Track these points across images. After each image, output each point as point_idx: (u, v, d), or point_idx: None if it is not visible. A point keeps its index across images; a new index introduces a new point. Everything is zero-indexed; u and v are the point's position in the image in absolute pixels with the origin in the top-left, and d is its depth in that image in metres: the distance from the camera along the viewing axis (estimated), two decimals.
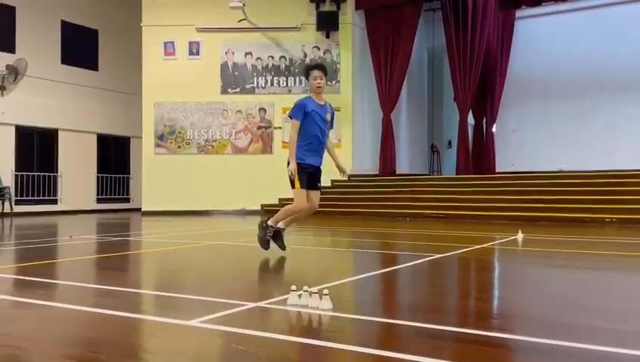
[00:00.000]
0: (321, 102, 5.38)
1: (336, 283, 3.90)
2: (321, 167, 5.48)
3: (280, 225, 5.47)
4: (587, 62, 15.47)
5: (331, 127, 5.56)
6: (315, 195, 5.40)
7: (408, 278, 4.46)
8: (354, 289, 3.88)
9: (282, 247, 5.48)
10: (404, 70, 15.67)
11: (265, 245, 5.44)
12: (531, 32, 16.27)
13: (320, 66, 5.41)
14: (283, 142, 14.89)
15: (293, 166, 5.19)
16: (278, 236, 5.49)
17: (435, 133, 19.22)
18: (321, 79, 5.30)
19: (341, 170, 5.70)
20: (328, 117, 5.42)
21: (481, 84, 15.66)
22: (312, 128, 5.26)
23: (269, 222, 5.41)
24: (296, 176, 5.20)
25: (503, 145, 16.33)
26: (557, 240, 7.62)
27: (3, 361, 2.26)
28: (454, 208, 12.19)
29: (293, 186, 5.26)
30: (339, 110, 14.96)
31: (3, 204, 15.10)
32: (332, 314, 2.90)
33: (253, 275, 4.78)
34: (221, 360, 2.29)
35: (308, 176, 5.28)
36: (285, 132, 14.65)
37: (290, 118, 5.32)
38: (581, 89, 15.54)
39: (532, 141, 16.18)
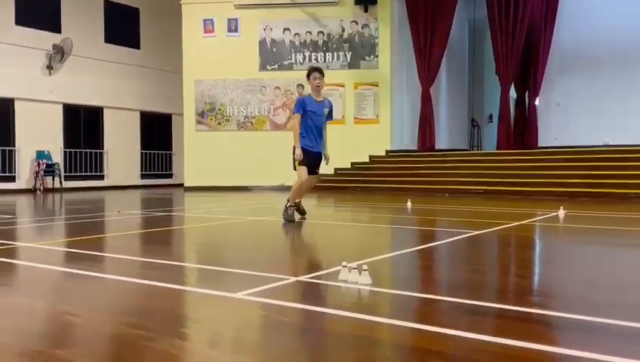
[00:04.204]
0: (319, 99, 6.52)
1: (375, 258, 3.96)
2: (322, 152, 6.58)
3: (296, 200, 6.66)
4: (634, 34, 14.83)
5: (330, 118, 6.70)
6: (312, 179, 6.56)
7: (447, 254, 4.49)
8: (392, 265, 3.94)
9: (304, 213, 6.81)
10: (444, 43, 15.38)
11: (290, 218, 6.47)
12: (578, 1, 15.67)
13: (319, 69, 6.57)
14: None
15: (299, 152, 6.32)
16: (299, 210, 6.74)
17: (476, 107, 18.88)
18: (320, 80, 6.44)
19: (325, 157, 6.67)
20: (325, 112, 6.56)
21: (524, 56, 15.25)
22: (309, 122, 6.42)
23: (289, 204, 6.52)
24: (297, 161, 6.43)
25: (546, 119, 15.92)
26: (600, 216, 7.47)
27: (65, 329, 2.43)
28: (495, 184, 12.03)
29: (295, 168, 6.45)
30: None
31: (53, 179, 15.71)
32: (371, 288, 2.97)
33: (294, 250, 4.90)
34: (267, 331, 2.40)
35: (309, 158, 6.43)
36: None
37: (293, 113, 6.51)
38: (628, 61, 14.94)
39: (576, 115, 15.71)
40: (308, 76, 6.53)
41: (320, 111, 6.49)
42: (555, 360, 1.97)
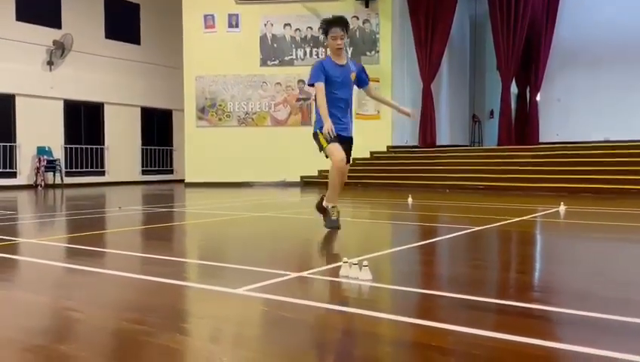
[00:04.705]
0: (342, 62, 4.90)
1: (376, 254, 3.97)
2: (351, 135, 5.07)
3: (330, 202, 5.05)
4: (635, 30, 14.81)
5: (368, 80, 5.11)
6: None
7: (447, 250, 4.50)
8: (393, 261, 3.95)
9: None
10: (445, 39, 15.36)
11: (335, 223, 5.05)
12: None
13: (341, 22, 4.78)
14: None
15: (329, 125, 4.65)
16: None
17: (477, 103, 18.85)
18: (342, 39, 4.76)
19: (406, 113, 5.30)
20: (353, 76, 4.97)
21: (526, 51, 15.24)
22: (332, 94, 4.79)
23: (324, 204, 5.08)
24: (321, 137, 4.80)
25: (547, 115, 15.91)
26: (601, 212, 7.47)
27: (66, 324, 2.44)
28: (495, 180, 12.03)
29: (321, 149, 4.90)
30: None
31: (54, 175, 15.72)
32: (372, 284, 2.98)
33: (295, 246, 4.90)
34: (268, 327, 2.40)
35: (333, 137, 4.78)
36: None
37: (312, 86, 4.81)
38: (629, 57, 14.93)
39: (577, 110, 15.70)
40: (326, 34, 4.81)
41: (345, 78, 4.86)
42: (557, 355, 1.97)
